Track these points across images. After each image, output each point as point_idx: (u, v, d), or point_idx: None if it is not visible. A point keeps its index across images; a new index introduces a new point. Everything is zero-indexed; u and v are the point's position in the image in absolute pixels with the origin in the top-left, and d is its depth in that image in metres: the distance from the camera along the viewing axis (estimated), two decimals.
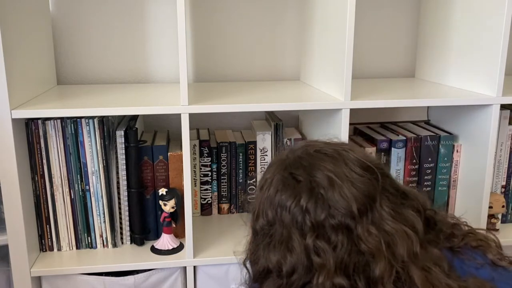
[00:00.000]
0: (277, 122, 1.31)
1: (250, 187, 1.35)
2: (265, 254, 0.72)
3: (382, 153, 1.24)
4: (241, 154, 1.32)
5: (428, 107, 1.44)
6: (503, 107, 1.19)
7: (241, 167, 1.33)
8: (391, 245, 0.68)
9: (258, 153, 1.33)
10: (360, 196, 0.69)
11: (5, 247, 1.08)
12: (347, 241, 0.67)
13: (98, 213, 1.15)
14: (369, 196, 0.70)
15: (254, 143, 1.32)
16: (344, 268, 0.66)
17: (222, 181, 1.32)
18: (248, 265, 0.79)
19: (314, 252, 0.67)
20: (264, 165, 1.33)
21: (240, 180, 1.34)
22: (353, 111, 1.09)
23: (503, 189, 1.29)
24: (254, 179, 1.34)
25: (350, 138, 1.18)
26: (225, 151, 1.30)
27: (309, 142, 0.80)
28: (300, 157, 0.75)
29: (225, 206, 1.34)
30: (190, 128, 1.06)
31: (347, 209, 0.68)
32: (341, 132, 1.09)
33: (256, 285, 0.75)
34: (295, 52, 1.47)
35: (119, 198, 1.17)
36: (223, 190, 1.33)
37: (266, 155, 1.33)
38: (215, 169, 1.31)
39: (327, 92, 1.20)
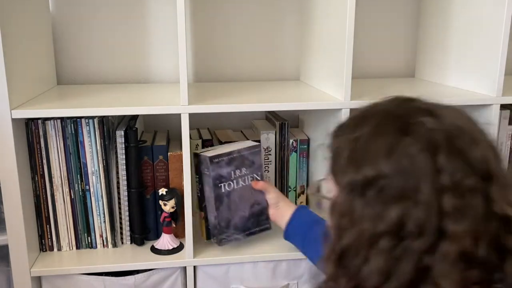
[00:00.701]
0: (282, 121, 1.31)
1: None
2: (372, 211, 0.59)
3: None
4: None
5: None
6: (503, 107, 1.19)
7: None
8: None
9: (262, 153, 1.33)
10: (494, 157, 0.61)
11: (5, 247, 1.08)
12: (481, 204, 0.58)
13: (98, 213, 1.15)
14: (499, 158, 0.63)
15: (258, 142, 1.32)
16: (474, 234, 0.57)
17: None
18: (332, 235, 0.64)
19: (451, 214, 0.57)
20: (268, 164, 1.33)
21: None
22: (353, 111, 1.09)
23: None
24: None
25: None
26: None
27: (410, 98, 0.67)
28: (421, 110, 0.63)
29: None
30: (190, 128, 1.06)
31: (487, 170, 0.59)
32: None
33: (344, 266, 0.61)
34: (295, 52, 1.47)
35: (119, 198, 1.17)
36: None
37: (270, 155, 1.33)
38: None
39: (327, 92, 1.20)
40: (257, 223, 1.16)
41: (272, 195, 1.13)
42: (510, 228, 0.59)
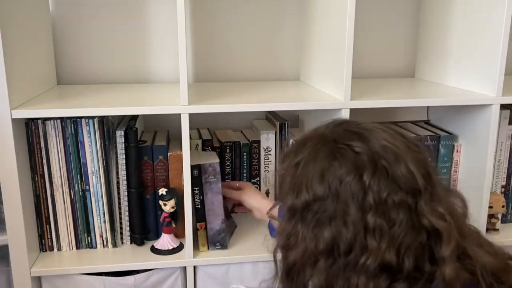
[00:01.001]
0: (282, 121, 1.31)
1: (254, 185, 1.35)
2: (311, 233, 0.65)
3: None
4: (245, 153, 1.32)
5: (428, 107, 1.44)
6: (503, 107, 1.19)
7: (245, 167, 1.33)
8: (457, 222, 0.64)
9: (262, 153, 1.33)
10: (423, 171, 0.65)
11: (5, 247, 1.08)
12: (407, 219, 0.62)
13: (98, 213, 1.15)
14: (428, 172, 0.66)
15: (258, 142, 1.32)
16: (397, 247, 0.62)
17: (226, 180, 1.31)
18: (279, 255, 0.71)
19: (372, 230, 0.62)
20: (268, 164, 1.33)
21: (244, 180, 1.34)
22: (353, 111, 1.09)
23: (503, 189, 1.29)
24: (258, 178, 1.34)
25: None
26: (229, 151, 1.30)
27: (344, 120, 0.74)
28: (347, 130, 0.69)
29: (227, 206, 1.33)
30: (190, 128, 1.06)
31: (412, 185, 0.63)
32: None
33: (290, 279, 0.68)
34: (295, 52, 1.47)
35: (119, 198, 1.17)
36: None
37: (270, 155, 1.33)
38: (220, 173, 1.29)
39: (327, 92, 1.20)
40: (231, 223, 1.25)
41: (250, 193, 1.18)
42: (440, 239, 0.63)
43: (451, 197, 0.69)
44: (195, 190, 1.12)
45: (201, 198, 1.13)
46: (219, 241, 1.15)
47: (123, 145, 1.13)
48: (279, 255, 0.72)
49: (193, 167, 1.09)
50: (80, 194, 1.13)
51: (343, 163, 0.65)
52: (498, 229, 1.25)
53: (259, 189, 1.36)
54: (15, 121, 1.01)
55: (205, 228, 1.14)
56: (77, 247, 1.17)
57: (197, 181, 1.12)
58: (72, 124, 1.09)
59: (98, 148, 1.11)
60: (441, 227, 0.63)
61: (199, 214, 1.13)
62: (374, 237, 0.62)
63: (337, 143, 0.67)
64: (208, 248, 1.16)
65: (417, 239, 0.62)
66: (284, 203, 0.70)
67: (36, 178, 1.11)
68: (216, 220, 1.14)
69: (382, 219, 0.62)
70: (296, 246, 0.66)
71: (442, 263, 0.62)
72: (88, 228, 1.16)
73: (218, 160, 1.15)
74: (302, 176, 0.67)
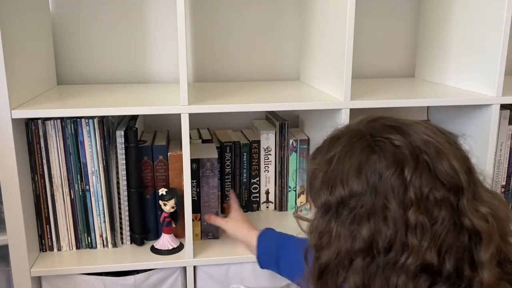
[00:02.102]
0: (282, 121, 1.31)
1: (254, 186, 1.35)
2: (346, 230, 0.61)
3: None
4: (245, 153, 1.32)
5: (428, 107, 1.44)
6: (503, 107, 1.19)
7: (245, 167, 1.33)
8: (499, 225, 0.61)
9: (262, 153, 1.33)
10: (465, 168, 0.62)
11: (5, 247, 1.08)
12: (449, 217, 0.59)
13: (98, 213, 1.15)
14: (470, 169, 0.63)
15: (258, 142, 1.32)
16: (438, 246, 0.59)
17: (226, 180, 1.32)
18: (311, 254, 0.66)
19: (413, 228, 0.59)
20: (268, 164, 1.34)
21: (244, 180, 1.34)
22: (353, 111, 1.09)
23: (503, 189, 1.29)
24: (258, 178, 1.34)
25: None
26: (229, 151, 1.31)
27: (379, 116, 0.69)
28: (384, 125, 0.65)
29: (228, 206, 1.33)
30: (190, 128, 1.06)
31: (455, 182, 0.60)
32: None
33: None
34: (295, 52, 1.47)
35: (119, 198, 1.17)
36: (226, 190, 1.32)
37: (270, 155, 1.33)
38: (218, 169, 1.30)
39: (327, 92, 1.20)
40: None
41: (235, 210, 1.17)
42: (480, 241, 0.59)
43: (493, 198, 0.65)
44: (193, 182, 1.16)
45: (197, 190, 1.18)
46: (211, 231, 1.22)
47: (123, 145, 1.13)
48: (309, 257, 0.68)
49: (192, 161, 1.11)
50: (80, 194, 1.13)
51: (382, 156, 0.61)
52: None
53: (259, 189, 1.36)
54: (15, 121, 1.01)
55: (200, 219, 1.20)
56: (77, 247, 1.17)
57: (195, 174, 1.16)
58: (72, 124, 1.09)
59: (98, 148, 1.11)
60: (482, 228, 0.60)
61: (195, 206, 1.17)
62: (415, 234, 0.58)
63: (375, 137, 0.64)
64: (201, 238, 1.22)
65: (458, 239, 0.59)
66: (316, 200, 0.66)
67: (36, 178, 1.11)
68: (210, 212, 1.20)
69: (424, 216, 0.58)
70: (329, 245, 0.63)
71: (480, 268, 0.59)
72: (88, 228, 1.16)
73: (216, 156, 1.18)
74: (337, 171, 0.64)
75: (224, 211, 1.32)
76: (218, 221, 1.17)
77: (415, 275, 0.58)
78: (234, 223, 1.12)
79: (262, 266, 1.05)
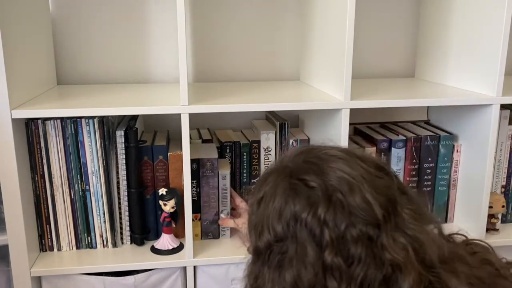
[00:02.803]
0: (282, 121, 1.31)
1: (254, 186, 1.35)
2: (275, 275, 0.63)
3: (382, 153, 1.24)
4: (245, 153, 1.32)
5: (428, 107, 1.44)
6: (503, 107, 1.19)
7: (245, 167, 1.33)
8: (420, 252, 0.61)
9: (262, 153, 1.33)
10: (383, 199, 0.62)
11: (5, 247, 1.08)
12: (367, 253, 0.60)
13: (98, 213, 1.15)
14: (390, 198, 0.63)
15: (258, 142, 1.32)
16: (358, 285, 0.59)
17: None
18: None
19: (330, 270, 0.60)
20: (268, 164, 1.33)
21: (244, 180, 1.34)
22: (353, 111, 1.09)
23: (503, 189, 1.29)
24: (258, 178, 1.34)
25: (350, 138, 1.18)
26: (229, 151, 1.30)
27: (308, 147, 0.71)
28: (306, 161, 0.66)
29: (233, 200, 1.32)
30: (190, 128, 1.06)
31: (371, 215, 0.60)
32: (341, 132, 1.09)
33: None
34: (295, 52, 1.47)
35: (119, 198, 1.17)
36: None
37: (270, 155, 1.33)
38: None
39: (327, 92, 1.20)
40: None
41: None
42: (401, 272, 0.59)
43: (424, 221, 0.65)
44: (193, 182, 1.16)
45: (198, 190, 1.18)
46: (212, 231, 1.21)
47: (123, 145, 1.13)
48: None
49: (192, 161, 1.11)
50: (80, 194, 1.13)
51: (297, 200, 0.62)
52: (498, 229, 1.25)
53: None
54: (15, 121, 1.01)
55: (200, 219, 1.20)
56: (77, 247, 1.17)
57: (195, 174, 1.16)
58: (72, 124, 1.09)
59: (98, 148, 1.11)
60: (399, 259, 0.60)
61: (195, 206, 1.17)
62: (333, 277, 0.60)
63: (293, 178, 0.65)
64: (201, 238, 1.21)
65: (380, 273, 0.60)
66: (251, 243, 0.69)
67: (36, 178, 1.11)
68: (210, 212, 1.20)
69: (339, 257, 0.59)
70: (263, 287, 0.65)
71: None
72: (88, 228, 1.16)
73: (217, 156, 1.18)
74: (263, 215, 0.65)
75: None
76: (230, 222, 1.17)
77: None
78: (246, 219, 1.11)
79: None
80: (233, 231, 1.24)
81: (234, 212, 1.22)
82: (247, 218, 0.71)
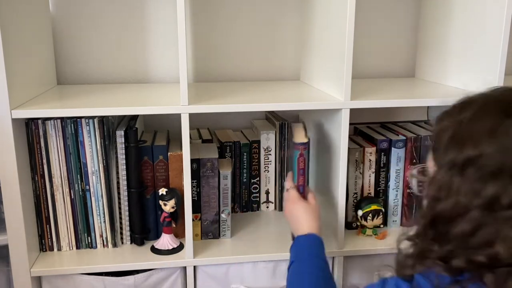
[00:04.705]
0: (282, 121, 1.31)
1: (254, 186, 1.35)
2: (468, 187, 0.64)
3: (382, 153, 1.24)
4: (245, 153, 1.32)
5: (428, 107, 1.44)
6: None
7: (245, 167, 1.33)
8: None
9: (262, 153, 1.33)
10: None
11: (5, 247, 1.08)
12: None
13: (98, 213, 1.15)
14: None
15: (258, 142, 1.32)
16: None
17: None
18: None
19: None
20: (268, 164, 1.33)
21: (244, 180, 1.34)
22: (353, 111, 1.09)
23: None
24: (258, 178, 1.34)
25: (350, 138, 1.18)
26: (229, 151, 1.31)
27: (510, 86, 0.72)
28: None
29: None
30: (190, 128, 1.06)
31: None
32: (341, 132, 1.09)
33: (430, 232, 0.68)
34: (295, 52, 1.47)
35: (119, 198, 1.17)
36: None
37: (270, 155, 1.33)
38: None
39: (327, 92, 1.20)
40: None
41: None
42: None
43: None
44: (193, 182, 1.15)
45: (198, 190, 1.18)
46: (212, 231, 1.21)
47: (123, 145, 1.13)
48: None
49: (192, 161, 1.11)
50: (80, 194, 1.13)
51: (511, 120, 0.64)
52: None
53: (259, 189, 1.36)
54: (15, 121, 1.01)
55: (200, 219, 1.20)
56: (77, 247, 1.17)
57: (195, 174, 1.16)
58: (72, 124, 1.09)
59: (98, 148, 1.11)
60: None
61: (195, 206, 1.17)
62: None
63: (509, 102, 0.67)
64: (201, 238, 1.21)
65: None
66: (441, 158, 0.69)
67: (36, 178, 1.11)
68: (210, 212, 1.19)
69: None
70: (447, 198, 0.66)
71: None
72: (88, 228, 1.16)
73: (217, 156, 1.18)
74: (467, 131, 0.66)
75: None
76: (296, 196, 1.06)
77: None
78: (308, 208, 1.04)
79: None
80: (233, 231, 1.24)
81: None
82: (435, 137, 0.72)
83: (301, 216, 1.02)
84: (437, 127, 0.72)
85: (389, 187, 1.26)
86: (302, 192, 1.09)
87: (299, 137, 1.11)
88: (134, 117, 1.23)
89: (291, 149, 1.22)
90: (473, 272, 0.62)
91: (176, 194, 1.13)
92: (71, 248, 1.16)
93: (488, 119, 0.66)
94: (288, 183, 1.10)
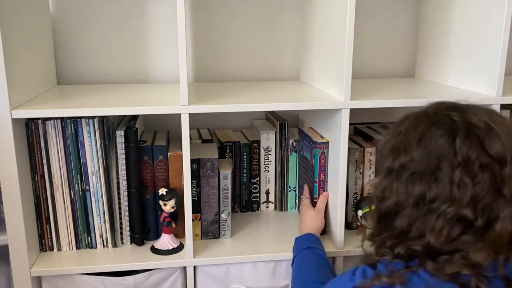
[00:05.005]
0: (282, 121, 1.31)
1: (254, 186, 1.35)
2: (403, 188, 0.75)
3: None
4: (245, 153, 1.32)
5: None
6: (503, 107, 1.19)
7: (245, 167, 1.33)
8: None
9: (262, 153, 1.33)
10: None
11: (5, 247, 1.08)
12: (490, 182, 0.70)
13: (98, 213, 1.15)
14: None
15: (258, 142, 1.32)
16: (475, 204, 0.70)
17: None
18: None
19: (457, 184, 0.70)
20: (268, 164, 1.33)
21: (244, 180, 1.34)
22: (353, 111, 1.09)
23: None
24: (258, 178, 1.34)
25: (350, 138, 1.18)
26: (229, 151, 1.31)
27: (446, 101, 0.81)
28: (449, 107, 0.77)
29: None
30: (190, 128, 1.06)
31: (501, 154, 0.70)
32: (341, 132, 1.09)
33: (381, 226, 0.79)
34: (295, 52, 1.47)
35: (119, 198, 1.17)
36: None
37: (270, 154, 1.33)
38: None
39: (327, 92, 1.20)
40: None
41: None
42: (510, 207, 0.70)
43: None
44: (193, 182, 1.15)
45: (198, 190, 1.18)
46: (212, 231, 1.21)
47: (123, 145, 1.13)
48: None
49: (192, 161, 1.11)
50: (80, 194, 1.13)
51: (439, 127, 0.74)
52: None
53: (259, 189, 1.36)
54: (15, 121, 1.01)
55: (200, 219, 1.20)
56: (77, 247, 1.17)
57: (195, 174, 1.16)
58: (72, 124, 1.09)
59: (98, 148, 1.11)
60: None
61: (195, 206, 1.17)
62: (458, 190, 0.70)
63: (437, 114, 0.76)
64: (201, 238, 1.21)
65: (494, 202, 0.70)
66: (383, 165, 0.80)
67: (36, 178, 1.11)
68: (210, 212, 1.19)
69: (468, 177, 0.70)
70: (389, 198, 0.76)
71: (497, 221, 0.69)
72: (88, 228, 1.16)
73: (217, 156, 1.18)
74: (402, 142, 0.77)
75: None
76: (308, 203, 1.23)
77: (450, 222, 0.70)
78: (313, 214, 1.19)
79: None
80: (233, 231, 1.24)
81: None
82: (379, 151, 0.83)
83: (304, 221, 1.18)
84: (381, 142, 0.83)
85: None
86: (323, 188, 1.21)
87: (317, 137, 1.21)
88: (134, 117, 1.23)
89: (308, 149, 1.23)
90: (419, 258, 0.72)
91: (176, 194, 1.13)
92: (71, 248, 1.16)
93: (419, 129, 0.76)
94: (304, 194, 1.25)
